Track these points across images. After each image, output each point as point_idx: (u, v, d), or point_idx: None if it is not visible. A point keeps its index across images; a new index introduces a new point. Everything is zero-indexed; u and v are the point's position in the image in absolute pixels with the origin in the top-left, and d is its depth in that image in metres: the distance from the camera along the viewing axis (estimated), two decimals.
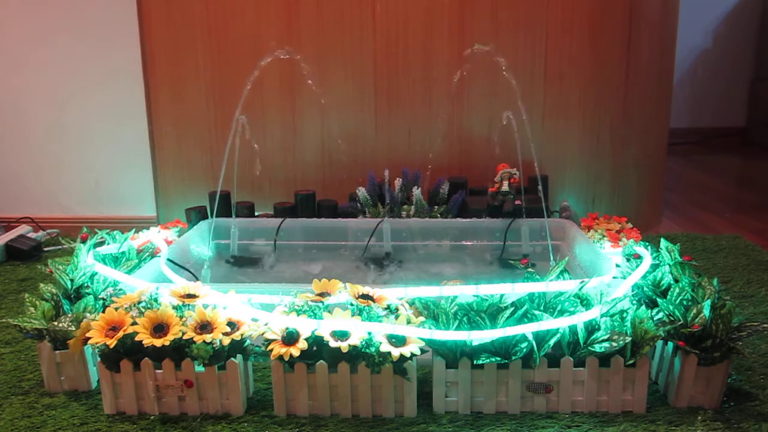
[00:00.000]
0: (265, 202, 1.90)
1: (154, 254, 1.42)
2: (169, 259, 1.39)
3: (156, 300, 1.08)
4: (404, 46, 1.91)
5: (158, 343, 1.01)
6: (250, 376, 1.13)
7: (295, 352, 1.00)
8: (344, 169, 1.95)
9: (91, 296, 1.15)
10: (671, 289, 1.13)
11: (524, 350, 1.02)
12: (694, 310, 1.07)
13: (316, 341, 1.03)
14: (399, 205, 1.76)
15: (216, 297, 1.09)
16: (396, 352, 0.99)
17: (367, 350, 1.01)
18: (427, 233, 1.70)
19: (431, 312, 1.07)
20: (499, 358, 1.03)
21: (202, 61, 1.95)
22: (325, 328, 1.02)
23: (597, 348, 1.02)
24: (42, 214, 2.14)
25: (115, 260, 1.34)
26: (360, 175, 1.88)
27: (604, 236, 1.52)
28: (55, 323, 1.11)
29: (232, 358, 1.05)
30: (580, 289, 1.09)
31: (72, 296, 1.20)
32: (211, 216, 1.76)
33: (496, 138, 1.85)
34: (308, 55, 1.92)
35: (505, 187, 1.68)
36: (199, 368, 1.05)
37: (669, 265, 1.21)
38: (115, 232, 1.46)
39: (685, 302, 1.10)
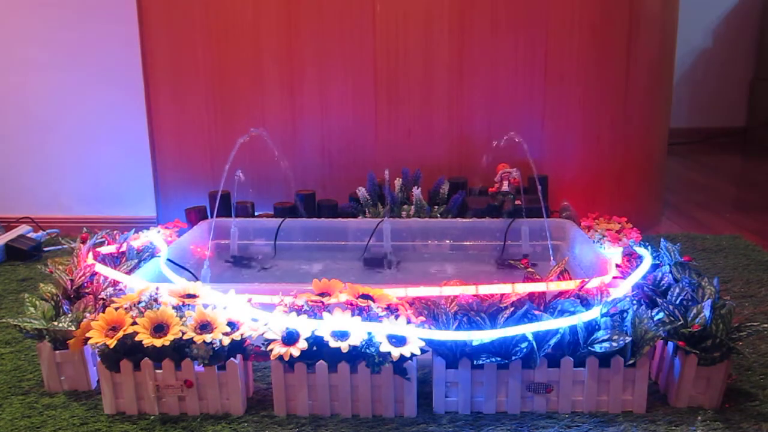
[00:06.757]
0: (265, 202, 1.90)
1: (154, 254, 1.42)
2: (169, 259, 1.39)
3: (156, 300, 1.08)
4: (404, 46, 1.91)
5: (158, 343, 1.01)
6: (250, 376, 1.13)
7: (295, 352, 1.01)
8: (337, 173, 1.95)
9: (91, 296, 1.15)
10: (671, 289, 1.13)
11: (524, 350, 1.02)
12: (694, 310, 1.07)
13: (316, 341, 1.03)
14: (399, 205, 1.76)
15: (216, 297, 1.09)
16: (396, 352, 0.99)
17: (367, 350, 1.01)
18: (427, 233, 1.70)
19: (431, 312, 1.07)
20: (499, 359, 1.03)
21: (202, 61, 1.95)
22: (325, 328, 1.02)
23: (597, 348, 1.02)
24: (42, 214, 2.14)
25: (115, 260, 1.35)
26: (360, 175, 1.88)
27: (604, 236, 1.52)
28: (55, 323, 1.11)
29: (232, 358, 1.05)
30: (579, 289, 1.09)
31: (72, 296, 1.20)
32: (211, 216, 1.76)
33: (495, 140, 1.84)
34: (308, 55, 1.92)
35: (505, 187, 1.68)
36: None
37: (669, 265, 1.21)
38: (114, 231, 1.46)
39: (685, 302, 1.10)
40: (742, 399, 1.09)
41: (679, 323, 1.06)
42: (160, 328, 1.02)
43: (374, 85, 1.94)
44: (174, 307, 1.06)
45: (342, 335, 1.01)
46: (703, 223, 2.16)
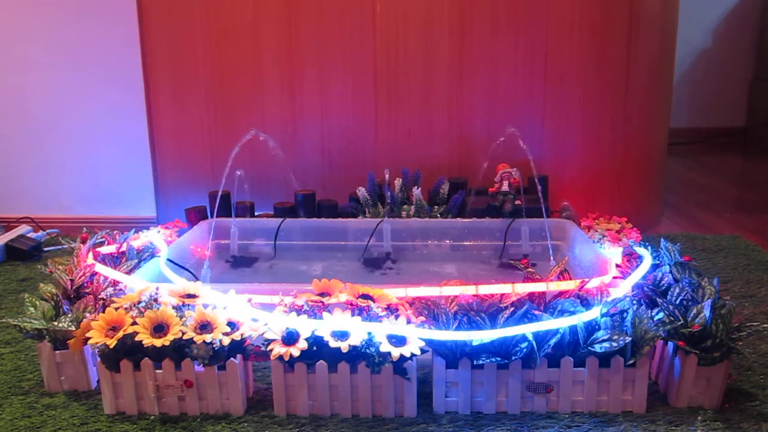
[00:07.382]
0: (265, 202, 1.90)
1: (154, 254, 1.42)
2: (169, 259, 1.39)
3: (156, 300, 1.08)
4: (404, 46, 1.91)
5: (158, 343, 1.01)
6: (250, 376, 1.13)
7: (295, 352, 1.01)
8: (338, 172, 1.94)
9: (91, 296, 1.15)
10: (671, 289, 1.13)
11: (524, 350, 1.02)
12: (694, 310, 1.07)
13: (316, 341, 1.03)
14: (399, 205, 1.76)
15: (216, 297, 1.09)
16: (396, 352, 0.99)
17: (367, 350, 1.01)
18: (427, 233, 1.70)
19: (431, 312, 1.07)
20: (499, 359, 1.03)
21: (202, 61, 1.95)
22: (325, 328, 1.02)
23: (597, 348, 1.02)
24: (42, 214, 2.14)
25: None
26: (360, 175, 1.88)
27: (604, 236, 1.52)
28: (55, 323, 1.11)
29: (232, 358, 1.05)
30: (579, 289, 1.09)
31: (72, 296, 1.20)
32: (211, 216, 1.76)
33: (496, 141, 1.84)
34: (308, 55, 1.92)
35: (505, 187, 1.68)
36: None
37: (669, 265, 1.21)
38: (114, 231, 1.46)
39: (685, 302, 1.10)
40: (742, 399, 1.09)
41: (679, 323, 1.06)
42: (160, 328, 1.02)
43: (374, 85, 1.94)
44: (174, 307, 1.06)
45: (342, 335, 1.01)
46: (703, 223, 2.16)
